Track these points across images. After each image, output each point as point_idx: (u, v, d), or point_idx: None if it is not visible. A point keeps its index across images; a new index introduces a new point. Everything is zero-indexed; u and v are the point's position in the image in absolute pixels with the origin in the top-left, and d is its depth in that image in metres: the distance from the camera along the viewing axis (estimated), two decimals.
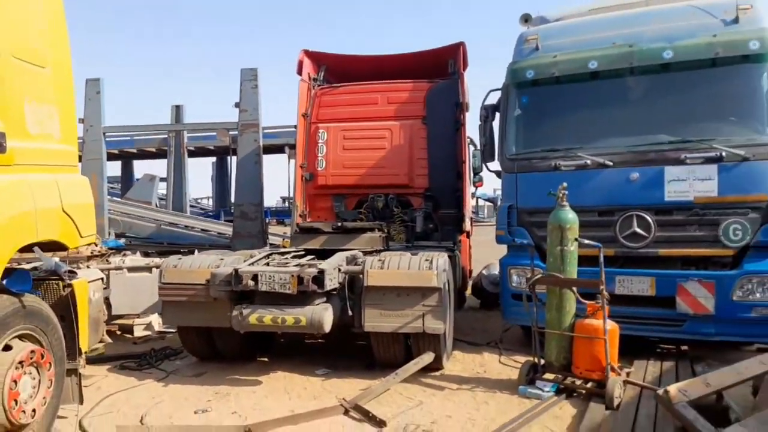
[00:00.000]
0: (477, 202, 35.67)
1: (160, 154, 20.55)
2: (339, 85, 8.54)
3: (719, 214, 5.20)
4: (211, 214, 20.45)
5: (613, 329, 4.65)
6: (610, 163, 5.53)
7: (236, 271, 4.98)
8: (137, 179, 18.17)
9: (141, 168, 25.03)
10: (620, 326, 4.91)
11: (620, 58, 5.57)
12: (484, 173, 8.18)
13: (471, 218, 10.48)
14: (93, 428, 4.07)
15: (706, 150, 5.22)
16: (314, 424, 4.14)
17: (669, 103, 5.54)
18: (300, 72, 8.25)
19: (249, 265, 5.24)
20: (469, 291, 9.39)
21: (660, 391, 3.37)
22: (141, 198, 14.24)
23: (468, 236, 9.12)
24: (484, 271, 9.13)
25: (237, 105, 10.48)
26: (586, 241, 4.66)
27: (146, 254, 8.32)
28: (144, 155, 22.06)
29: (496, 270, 8.05)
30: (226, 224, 12.93)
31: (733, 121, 5.41)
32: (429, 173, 7.89)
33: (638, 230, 5.45)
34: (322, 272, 4.88)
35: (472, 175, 9.57)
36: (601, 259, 4.55)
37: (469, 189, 8.97)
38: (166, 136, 17.50)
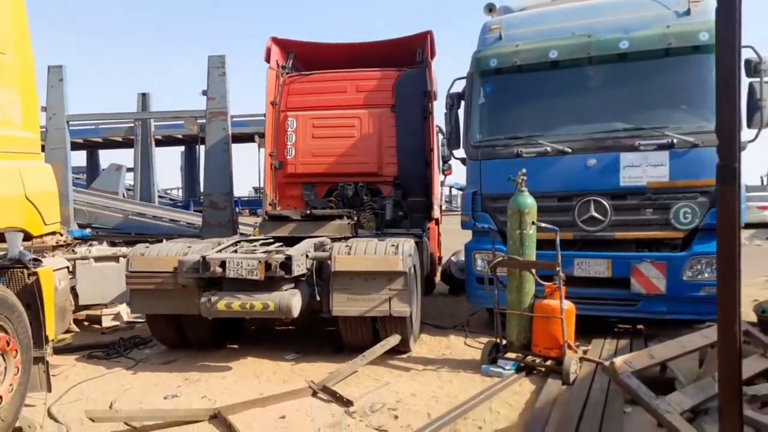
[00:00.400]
0: (450, 191, 35.95)
1: (126, 144, 20.08)
2: (308, 73, 8.55)
3: (670, 198, 5.46)
4: (180, 204, 20.19)
5: (569, 309, 4.86)
6: (569, 150, 5.73)
7: (204, 258, 5.02)
8: (103, 169, 17.79)
9: (107, 158, 24.45)
10: (579, 307, 5.14)
11: (579, 48, 5.75)
12: (455, 163, 8.36)
13: (440, 206, 10.67)
14: (62, 415, 4.08)
15: (659, 137, 5.47)
16: (283, 406, 4.24)
17: (625, 92, 5.76)
18: (268, 59, 8.23)
19: (216, 252, 5.28)
20: (438, 278, 9.58)
21: (606, 363, 3.58)
22: (107, 188, 13.99)
23: (437, 223, 9.29)
24: (452, 258, 9.30)
25: (204, 93, 10.38)
26: (544, 225, 4.86)
27: (113, 244, 8.24)
28: (110, 145, 21.55)
29: (464, 256, 8.25)
30: (195, 214, 12.84)
31: (685, 109, 5.66)
32: (398, 161, 7.99)
33: (595, 214, 5.68)
34: (289, 258, 4.96)
35: (441, 163, 9.74)
36: (558, 242, 4.75)
37: (438, 177, 9.13)
38: (132, 124, 17.16)
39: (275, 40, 8.34)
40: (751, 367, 3.97)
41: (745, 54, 5.50)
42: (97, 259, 6.69)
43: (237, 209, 12.35)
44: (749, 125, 5.49)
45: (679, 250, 5.50)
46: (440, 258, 9.84)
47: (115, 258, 6.75)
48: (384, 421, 3.93)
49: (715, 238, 5.46)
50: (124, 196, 14.96)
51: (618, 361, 3.52)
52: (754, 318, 5.25)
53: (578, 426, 3.51)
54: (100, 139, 20.84)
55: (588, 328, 5.79)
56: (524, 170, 5.06)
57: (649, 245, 5.66)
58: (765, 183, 30.80)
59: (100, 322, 7.07)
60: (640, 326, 6.10)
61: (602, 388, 4.20)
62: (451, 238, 10.00)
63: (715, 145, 5.36)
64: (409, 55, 8.36)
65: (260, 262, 4.91)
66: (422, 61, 8.22)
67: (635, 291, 5.55)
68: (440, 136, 9.16)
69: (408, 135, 8.00)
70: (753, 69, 5.44)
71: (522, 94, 6.11)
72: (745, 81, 5.53)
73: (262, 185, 10.37)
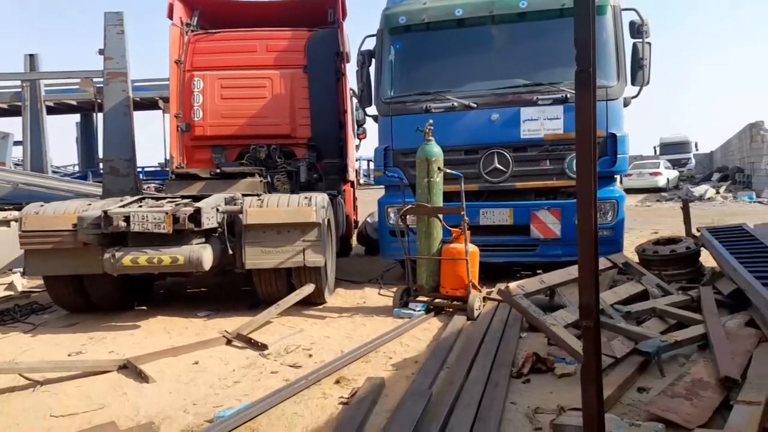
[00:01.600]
0: (369, 165, 36.34)
1: (12, 111, 18.30)
2: (215, 31, 8.24)
3: (565, 149, 5.89)
4: (77, 175, 18.76)
5: (474, 251, 5.17)
6: (474, 105, 6.00)
7: (105, 212, 4.80)
8: None
9: None
10: (485, 254, 5.48)
11: (482, 6, 5.99)
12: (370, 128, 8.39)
13: (357, 171, 10.75)
14: None
15: (555, 92, 5.85)
16: (196, 354, 4.21)
17: (525, 50, 6.11)
18: (171, 16, 7.85)
19: (120, 207, 5.07)
20: (355, 241, 9.73)
21: (502, 287, 3.88)
22: None
23: (353, 186, 9.39)
24: (368, 219, 9.48)
25: (101, 52, 9.70)
26: (449, 171, 5.09)
27: (1, 209, 7.62)
28: None
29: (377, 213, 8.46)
30: (94, 184, 12.07)
31: None
32: (311, 123, 7.93)
33: (499, 166, 6.02)
34: (198, 210, 4.85)
35: (356, 127, 9.77)
36: (462, 188, 5.01)
37: (353, 140, 9.20)
38: (19, 89, 15.60)
39: None
40: (629, 290, 4.46)
41: (629, 16, 6.00)
42: None
43: (142, 178, 11.76)
44: (633, 82, 6.01)
45: (572, 198, 5.96)
46: (356, 222, 9.99)
47: (5, 222, 6.28)
48: (298, 359, 4.02)
49: (605, 185, 5.99)
50: (12, 167, 13.73)
51: (512, 285, 3.84)
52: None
53: (478, 349, 3.79)
54: None
55: (493, 275, 6.18)
56: (431, 120, 5.25)
57: (547, 194, 6.10)
58: (657, 153, 33.85)
59: None
60: (539, 271, 6.56)
61: (502, 319, 4.54)
62: (371, 208, 10.16)
63: (600, 100, 5.85)
64: (320, 16, 8.26)
65: (167, 214, 4.77)
66: (334, 22, 8.17)
67: (534, 236, 5.98)
68: (355, 101, 9.21)
69: (321, 96, 7.95)
70: (636, 30, 5.93)
71: (430, 51, 6.29)
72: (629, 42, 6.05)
73: (168, 155, 9.96)
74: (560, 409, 2.85)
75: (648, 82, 6.00)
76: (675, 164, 29.02)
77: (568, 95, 5.78)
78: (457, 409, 2.89)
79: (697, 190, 21.07)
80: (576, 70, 1.78)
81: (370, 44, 6.64)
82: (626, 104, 6.12)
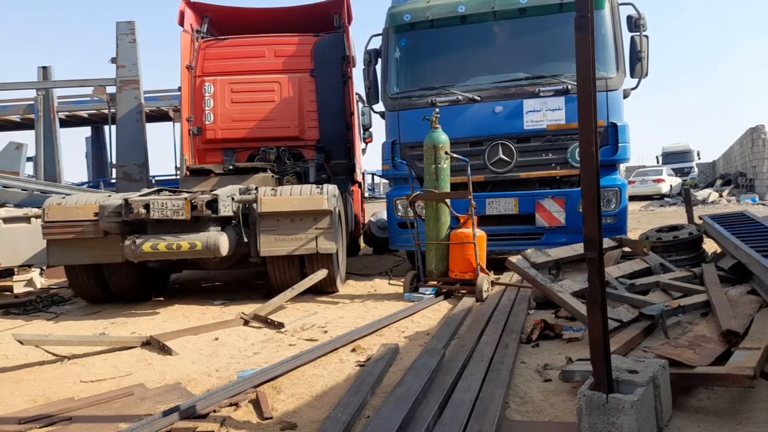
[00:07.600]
0: (373, 179, 36.56)
1: (24, 125, 18.61)
2: (224, 37, 8.50)
3: (567, 139, 6.06)
4: (89, 184, 18.96)
5: (481, 235, 5.32)
6: (479, 98, 6.19)
7: (126, 200, 4.98)
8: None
9: (2, 140, 22.31)
10: (492, 244, 5.64)
11: (484, 3, 6.22)
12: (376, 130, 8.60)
13: (362, 172, 10.96)
14: None
15: (556, 84, 6.04)
16: (215, 333, 4.35)
17: (527, 44, 6.30)
18: (182, 23, 8.11)
19: (139, 196, 5.25)
20: (363, 245, 9.90)
21: (510, 258, 4.03)
22: (7, 169, 13.02)
23: (360, 187, 9.58)
24: (372, 219, 9.68)
25: (113, 60, 10.00)
26: (456, 155, 5.26)
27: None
28: (5, 126, 19.81)
29: (382, 215, 8.68)
30: (107, 192, 12.29)
31: None
32: (319, 125, 8.14)
33: (503, 157, 6.19)
34: (215, 198, 5.03)
35: (362, 132, 10.00)
36: (469, 172, 5.18)
37: (359, 141, 9.41)
38: (32, 102, 15.91)
39: (189, 3, 8.22)
40: (633, 266, 4.60)
41: (626, 11, 6.21)
42: (6, 220, 6.38)
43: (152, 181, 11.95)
44: (632, 75, 6.19)
45: (575, 186, 6.12)
46: (364, 223, 10.16)
47: (26, 219, 6.47)
48: (315, 335, 4.16)
49: (607, 173, 6.14)
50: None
51: (519, 256, 3.97)
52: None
53: (488, 321, 3.92)
54: None
55: (500, 266, 6.31)
56: (438, 109, 5.44)
57: (551, 183, 6.26)
58: (660, 162, 33.96)
59: (11, 291, 6.75)
60: None
61: (510, 298, 4.68)
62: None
63: (600, 90, 6.02)
64: (326, 21, 8.52)
65: (186, 200, 4.95)
66: (339, 27, 8.42)
67: (539, 225, 6.12)
68: (360, 105, 9.44)
69: (328, 99, 8.16)
70: (633, 24, 6.13)
71: (435, 47, 6.50)
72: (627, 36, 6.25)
73: (179, 161, 10.16)
74: (568, 359, 2.99)
75: (647, 74, 6.18)
76: (678, 173, 29.12)
77: (570, 87, 5.97)
78: (470, 364, 3.03)
79: (700, 194, 21.16)
80: (575, 15, 1.96)
81: (376, 44, 6.89)
82: (626, 96, 6.30)
